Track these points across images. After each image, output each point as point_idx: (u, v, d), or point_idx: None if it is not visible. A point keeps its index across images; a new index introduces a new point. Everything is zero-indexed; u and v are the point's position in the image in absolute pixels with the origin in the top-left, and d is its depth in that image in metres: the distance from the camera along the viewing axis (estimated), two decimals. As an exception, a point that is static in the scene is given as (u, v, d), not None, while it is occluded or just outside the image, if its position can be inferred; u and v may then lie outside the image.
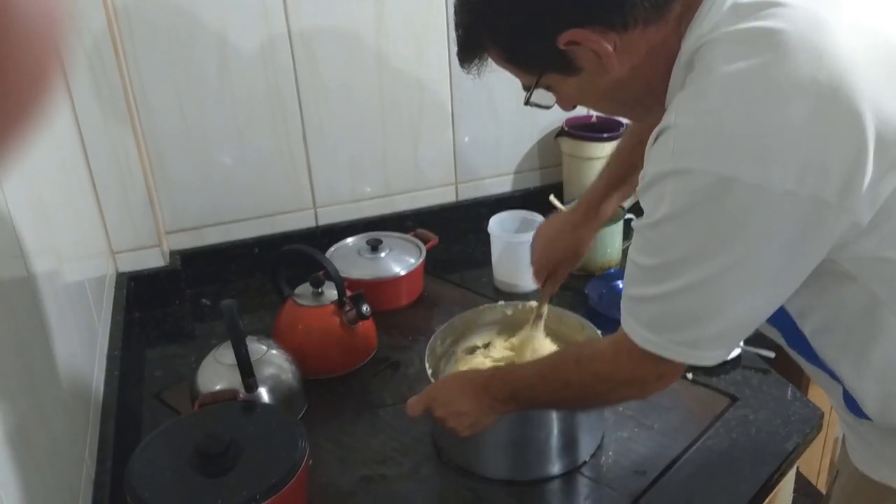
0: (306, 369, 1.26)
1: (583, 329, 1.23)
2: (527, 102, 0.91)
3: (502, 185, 1.79)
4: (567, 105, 0.93)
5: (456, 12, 0.89)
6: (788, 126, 0.68)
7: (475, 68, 0.91)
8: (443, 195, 1.74)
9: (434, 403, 1.02)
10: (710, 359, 0.80)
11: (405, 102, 1.62)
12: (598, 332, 1.19)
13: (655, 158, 0.75)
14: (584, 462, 1.11)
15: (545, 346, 1.25)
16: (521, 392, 0.98)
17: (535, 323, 1.25)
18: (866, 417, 0.86)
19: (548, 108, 0.93)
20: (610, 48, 0.79)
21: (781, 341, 0.88)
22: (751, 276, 0.74)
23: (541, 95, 0.90)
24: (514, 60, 0.87)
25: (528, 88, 0.90)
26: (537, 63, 0.86)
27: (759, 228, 0.70)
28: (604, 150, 1.66)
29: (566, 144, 1.71)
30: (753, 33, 0.71)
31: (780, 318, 0.83)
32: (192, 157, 1.51)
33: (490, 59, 0.89)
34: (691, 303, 0.76)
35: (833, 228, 0.71)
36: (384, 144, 1.64)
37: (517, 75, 0.90)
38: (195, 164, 1.52)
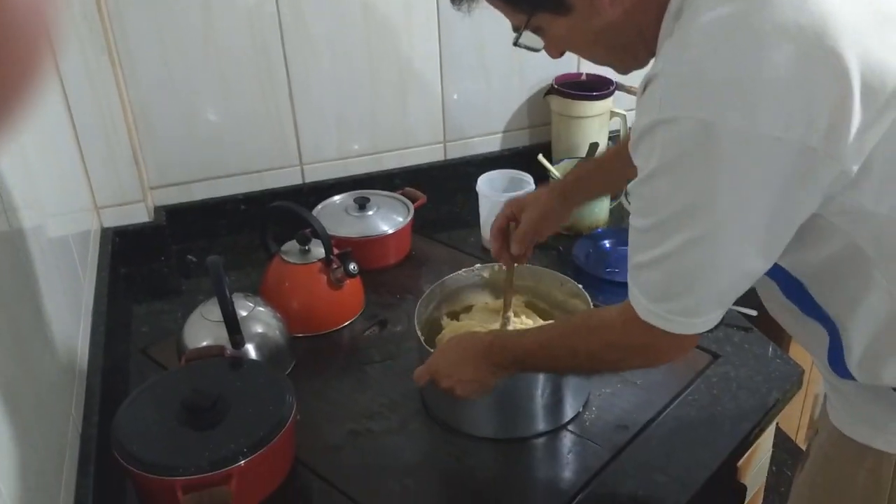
0: (293, 326, 1.27)
1: (561, 285, 1.24)
2: (515, 43, 0.90)
3: (491, 144, 1.78)
4: (555, 50, 0.92)
5: None
6: (772, 71, 0.67)
7: (466, 5, 0.91)
8: (431, 154, 1.73)
9: (438, 375, 1.02)
10: (706, 324, 0.80)
11: (393, 58, 1.60)
12: (580, 286, 1.19)
13: (644, 109, 0.75)
14: (570, 419, 1.13)
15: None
16: (523, 359, 0.99)
17: (504, 318, 1.22)
18: (849, 376, 0.86)
19: (536, 50, 0.92)
20: None
21: (777, 293, 0.88)
22: (744, 229, 0.73)
23: (529, 38, 0.90)
24: None
25: (517, 29, 0.89)
26: (528, 1, 0.85)
27: (748, 176, 0.70)
28: (593, 109, 1.65)
29: (556, 103, 1.70)
30: None
31: (776, 272, 0.83)
32: (177, 112, 1.49)
33: None
34: (689, 262, 0.76)
35: (822, 177, 0.71)
36: (372, 101, 1.63)
37: (507, 14, 0.89)
38: (180, 118, 1.50)
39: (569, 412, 1.13)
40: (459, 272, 1.28)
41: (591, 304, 1.18)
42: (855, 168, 0.70)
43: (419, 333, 1.12)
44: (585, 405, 1.15)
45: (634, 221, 0.81)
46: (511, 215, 1.20)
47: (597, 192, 1.32)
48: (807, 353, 0.97)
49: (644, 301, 0.81)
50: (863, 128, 0.68)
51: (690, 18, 0.73)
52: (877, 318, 0.80)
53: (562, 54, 0.93)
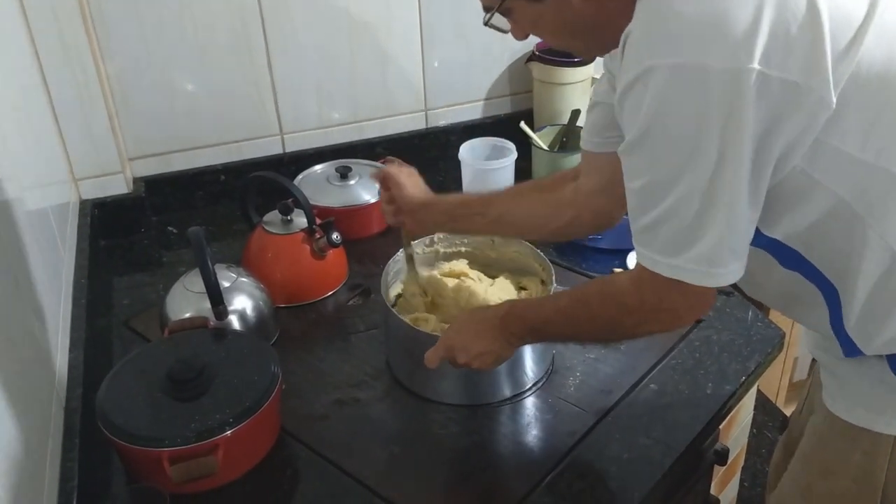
0: (277, 297, 1.26)
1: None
2: (486, 23, 0.90)
3: (472, 112, 1.77)
4: (521, 33, 0.92)
5: None
6: (746, 8, 0.69)
7: None
8: (412, 122, 1.72)
9: (454, 352, 1.00)
10: (727, 276, 0.80)
11: (373, 26, 1.58)
12: (548, 261, 1.20)
13: (625, 66, 0.76)
14: (548, 383, 1.14)
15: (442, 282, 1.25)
16: (542, 329, 0.99)
17: (409, 265, 1.24)
18: (852, 344, 0.87)
19: (504, 32, 0.92)
20: None
21: (777, 266, 0.88)
22: (737, 168, 0.74)
23: (499, 20, 0.90)
24: None
25: (489, 10, 0.89)
26: None
27: (736, 113, 0.71)
28: (574, 75, 1.65)
29: (537, 69, 1.69)
30: None
31: (772, 246, 0.84)
32: (154, 82, 1.47)
33: None
34: (694, 210, 0.76)
35: (803, 107, 0.72)
36: (352, 70, 1.61)
37: None
38: (157, 88, 1.48)
39: (533, 376, 1.14)
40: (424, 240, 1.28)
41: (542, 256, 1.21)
42: (833, 98, 0.72)
43: (385, 298, 1.13)
44: (569, 368, 1.16)
45: (632, 183, 0.81)
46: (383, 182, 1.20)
47: (467, 226, 1.21)
48: (808, 335, 1.00)
49: (662, 259, 0.80)
50: (835, 61, 0.71)
51: None
52: (871, 276, 0.81)
53: (526, 37, 0.92)
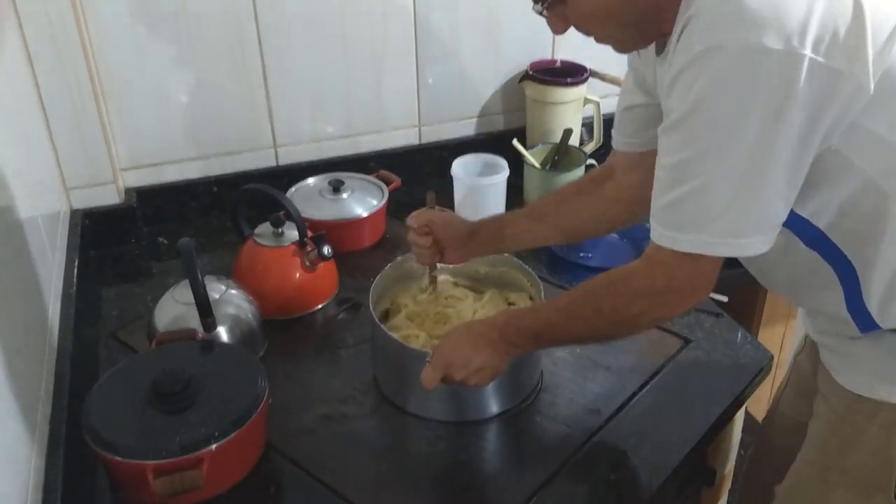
0: (266, 310, 1.26)
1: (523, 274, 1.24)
2: (542, 12, 0.91)
3: (466, 128, 1.77)
4: (563, 26, 0.92)
5: None
6: (801, 1, 0.75)
7: None
8: (406, 137, 1.73)
9: (451, 369, 0.99)
10: (751, 246, 0.82)
11: (368, 42, 1.59)
12: (537, 277, 1.20)
13: (683, 48, 0.79)
14: (536, 401, 1.13)
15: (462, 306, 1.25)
16: (543, 333, 0.99)
17: (431, 286, 1.25)
18: (870, 320, 0.91)
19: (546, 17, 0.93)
20: None
21: (797, 243, 0.91)
22: (778, 149, 0.77)
23: (539, 6, 0.91)
24: None
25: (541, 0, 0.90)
26: None
27: (786, 91, 0.75)
28: (567, 95, 1.66)
29: (530, 88, 1.70)
30: None
31: (796, 222, 0.88)
32: (148, 93, 1.47)
33: None
34: (728, 186, 0.79)
35: (844, 93, 0.77)
36: (347, 84, 1.61)
37: None
38: (151, 99, 1.48)
39: (525, 392, 1.14)
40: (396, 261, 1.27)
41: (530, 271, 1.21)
42: (872, 86, 0.77)
43: (373, 313, 1.13)
44: (558, 388, 1.16)
45: (666, 160, 0.83)
46: (425, 228, 1.19)
47: (516, 244, 1.23)
48: (813, 319, 1.04)
49: (683, 235, 0.82)
50: (876, 54, 0.77)
51: None
52: (894, 254, 0.86)
53: (567, 30, 0.93)
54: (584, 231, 1.22)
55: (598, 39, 0.94)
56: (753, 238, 0.81)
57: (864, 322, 0.92)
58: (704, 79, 0.77)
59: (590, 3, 0.87)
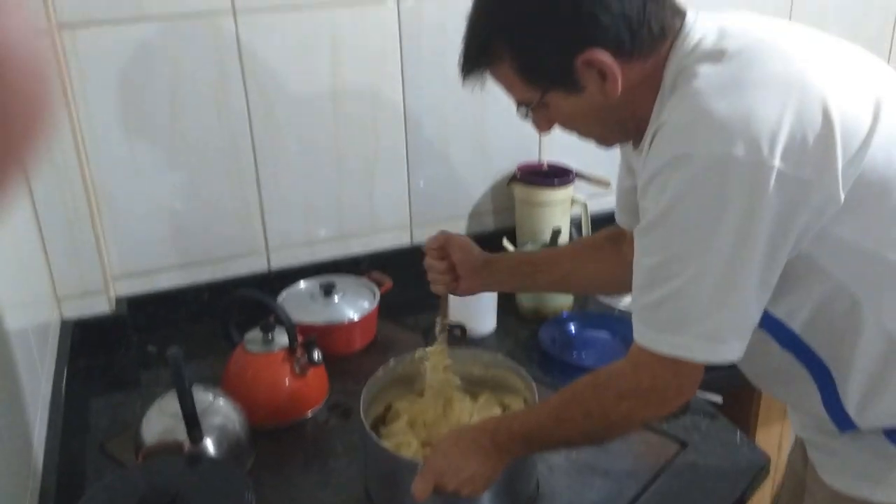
0: (255, 418, 1.24)
1: (519, 377, 1.22)
2: (525, 116, 0.95)
3: (457, 228, 1.79)
4: (548, 125, 0.96)
5: (472, 23, 0.92)
6: (771, 112, 0.76)
7: (475, 81, 0.94)
8: (397, 238, 1.74)
9: (443, 479, 0.96)
10: (729, 352, 0.82)
11: (360, 148, 1.63)
12: (531, 379, 1.18)
13: (655, 153, 0.81)
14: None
15: (460, 403, 1.23)
16: (534, 437, 0.97)
17: (441, 336, 1.23)
18: (848, 420, 0.90)
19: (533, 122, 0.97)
20: (618, 72, 0.85)
21: (773, 344, 0.91)
22: (751, 254, 0.78)
23: (523, 110, 0.95)
24: (526, 74, 0.90)
25: (525, 104, 0.93)
26: (548, 78, 0.89)
27: (754, 204, 0.76)
28: (554, 196, 1.69)
29: (518, 190, 1.73)
30: (727, 51, 0.81)
31: (771, 323, 0.88)
32: (142, 201, 1.49)
33: (491, 75, 0.93)
34: (705, 290, 0.80)
35: (813, 203, 0.78)
36: (339, 188, 1.64)
37: (519, 91, 0.93)
38: (145, 208, 1.50)
39: (520, 499, 1.11)
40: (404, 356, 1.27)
41: (524, 373, 1.20)
42: (842, 196, 0.78)
43: (364, 421, 1.10)
44: (555, 493, 1.13)
45: (644, 260, 0.84)
46: (441, 252, 1.21)
47: (531, 284, 1.26)
48: (795, 415, 1.03)
49: (664, 336, 0.83)
50: (846, 165, 0.77)
51: (686, 81, 0.81)
52: (871, 356, 0.86)
53: (551, 128, 0.97)
54: (595, 285, 1.23)
55: (582, 136, 0.98)
56: (731, 343, 0.82)
57: (843, 422, 0.92)
58: (676, 185, 0.78)
59: (571, 104, 0.90)
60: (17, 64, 0.31)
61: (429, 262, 1.22)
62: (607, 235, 1.22)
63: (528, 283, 1.24)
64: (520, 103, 0.94)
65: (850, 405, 0.90)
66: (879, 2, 2.00)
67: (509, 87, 0.94)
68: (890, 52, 2.07)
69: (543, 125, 0.96)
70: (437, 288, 1.23)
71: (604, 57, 0.85)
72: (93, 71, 1.38)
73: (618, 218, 1.16)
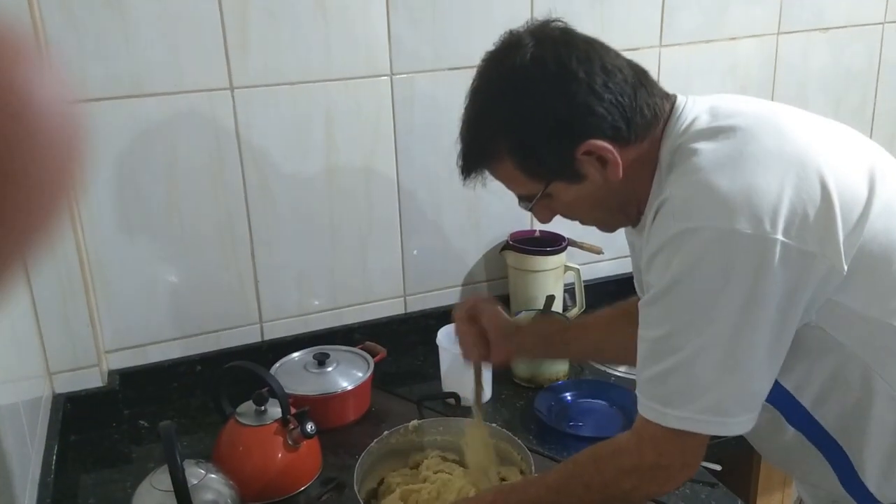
0: (247, 493, 1.22)
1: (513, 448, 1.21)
2: (530, 209, 0.96)
3: (451, 296, 1.80)
4: (549, 215, 0.97)
5: (470, 124, 0.93)
6: (771, 186, 0.77)
7: (475, 180, 0.95)
8: (391, 307, 1.75)
9: None
10: (737, 426, 0.82)
11: (354, 219, 1.64)
12: (527, 450, 1.17)
13: (659, 228, 0.82)
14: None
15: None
16: None
17: (476, 406, 1.22)
18: (870, 498, 0.88)
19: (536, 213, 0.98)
20: (618, 157, 0.87)
21: (782, 422, 0.90)
22: (757, 328, 0.78)
23: (525, 203, 0.96)
24: (527, 169, 0.91)
25: (528, 198, 0.94)
26: (549, 172, 0.91)
27: (760, 277, 0.77)
28: (547, 263, 1.70)
29: (511, 258, 1.74)
30: (723, 129, 0.83)
31: (780, 397, 0.87)
32: (137, 275, 1.50)
33: (491, 174, 0.94)
34: (711, 364, 0.79)
35: (817, 275, 0.79)
36: (332, 258, 1.65)
37: (521, 186, 0.94)
38: (139, 281, 1.50)
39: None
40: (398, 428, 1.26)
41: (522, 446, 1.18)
42: (845, 266, 0.79)
43: (358, 496, 1.09)
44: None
45: (649, 333, 0.84)
46: (471, 318, 1.19)
47: (563, 351, 1.27)
48: (811, 490, 1.01)
49: (670, 410, 0.82)
50: (846, 235, 0.79)
51: (684, 159, 0.83)
52: (886, 428, 0.85)
53: (552, 219, 0.98)
54: (627, 354, 1.22)
55: (584, 222, 0.99)
56: (739, 417, 0.82)
57: (864, 498, 0.90)
58: (680, 259, 0.79)
59: (573, 193, 0.92)
60: (49, 137, 0.32)
61: (458, 328, 1.21)
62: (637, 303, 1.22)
63: (558, 352, 1.25)
64: (522, 198, 0.96)
65: (870, 481, 0.88)
66: (859, 77, 2.06)
67: (510, 183, 0.95)
68: (872, 125, 2.12)
69: (546, 216, 0.97)
70: (468, 355, 1.21)
71: (603, 145, 0.87)
72: (89, 145, 1.39)
73: (640, 295, 1.16)
